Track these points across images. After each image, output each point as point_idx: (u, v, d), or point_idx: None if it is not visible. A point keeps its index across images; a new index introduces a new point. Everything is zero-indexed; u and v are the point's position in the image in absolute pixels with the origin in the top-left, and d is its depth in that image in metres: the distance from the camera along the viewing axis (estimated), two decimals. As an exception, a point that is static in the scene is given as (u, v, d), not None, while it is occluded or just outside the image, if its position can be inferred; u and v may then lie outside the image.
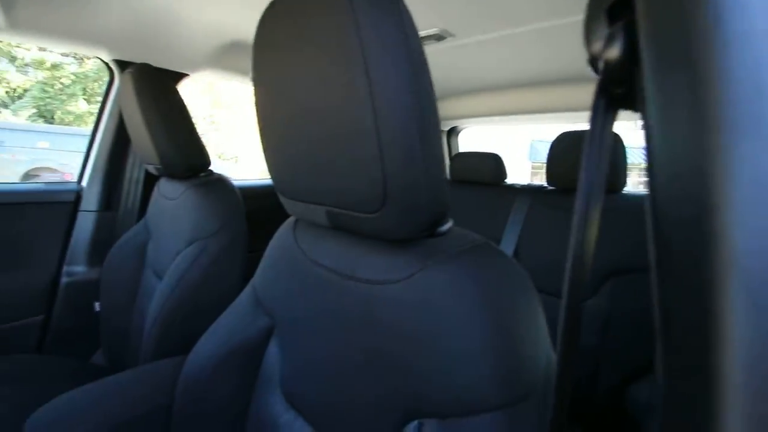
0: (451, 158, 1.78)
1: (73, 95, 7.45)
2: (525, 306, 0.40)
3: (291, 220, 0.64)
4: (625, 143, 1.20)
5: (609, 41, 0.21)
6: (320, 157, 0.44)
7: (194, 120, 1.04)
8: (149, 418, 0.66)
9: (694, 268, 0.15)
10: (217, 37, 1.20)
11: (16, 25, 0.97)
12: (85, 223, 1.27)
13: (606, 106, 0.22)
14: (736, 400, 0.13)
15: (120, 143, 1.30)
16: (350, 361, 0.48)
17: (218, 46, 1.24)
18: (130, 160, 1.32)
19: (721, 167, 0.13)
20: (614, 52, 0.20)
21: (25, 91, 7.26)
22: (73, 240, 1.26)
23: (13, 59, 7.18)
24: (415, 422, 0.41)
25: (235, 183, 1.07)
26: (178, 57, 1.26)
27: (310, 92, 0.42)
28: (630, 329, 1.04)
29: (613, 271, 1.08)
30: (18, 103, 7.14)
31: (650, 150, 0.18)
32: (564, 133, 1.29)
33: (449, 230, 0.45)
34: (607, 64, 0.21)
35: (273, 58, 0.46)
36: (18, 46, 6.88)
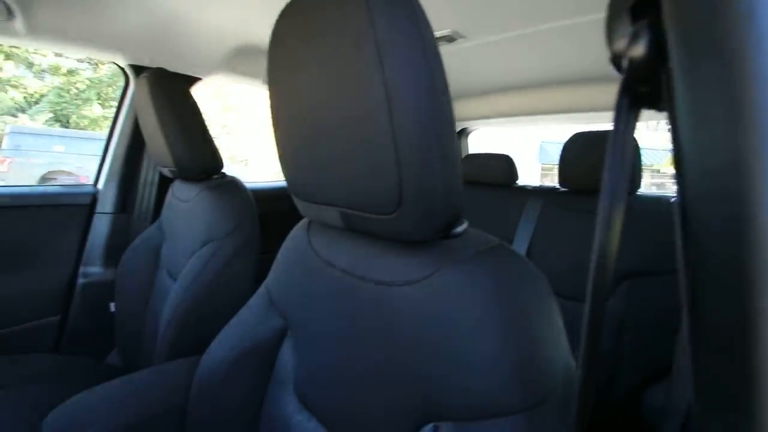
0: (462, 159, 1.77)
1: (88, 100, 7.61)
2: (542, 307, 0.39)
3: (304, 221, 0.64)
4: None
5: (633, 39, 0.20)
6: (335, 158, 0.44)
7: (207, 123, 1.05)
8: (164, 419, 0.67)
9: (732, 269, 0.14)
10: (230, 41, 1.21)
11: (35, 30, 1.00)
12: (101, 225, 1.29)
13: (629, 105, 0.22)
14: None
15: (135, 146, 1.32)
16: (364, 362, 0.47)
17: (231, 49, 1.26)
18: (144, 163, 1.35)
19: (761, 164, 0.13)
20: (639, 50, 0.20)
21: (42, 96, 7.44)
22: (89, 242, 1.28)
23: (30, 65, 7.37)
24: (431, 425, 0.40)
25: (248, 185, 1.08)
26: (191, 61, 1.28)
27: (325, 94, 0.42)
28: (645, 332, 1.03)
29: (629, 273, 1.07)
30: (35, 107, 7.32)
31: (679, 149, 0.18)
32: (577, 133, 1.28)
33: (464, 231, 0.44)
34: (632, 62, 0.21)
35: (288, 60, 0.46)
36: (35, 52, 7.06)
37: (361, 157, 0.40)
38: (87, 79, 7.63)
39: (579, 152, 1.26)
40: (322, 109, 0.43)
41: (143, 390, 0.70)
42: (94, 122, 7.62)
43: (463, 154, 2.06)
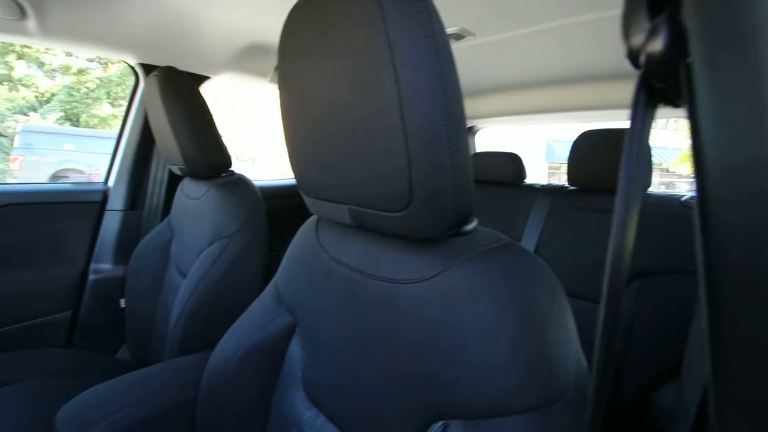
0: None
1: (97, 99, 7.69)
2: (554, 306, 0.39)
3: (313, 219, 0.65)
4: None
5: (651, 34, 0.20)
6: (345, 155, 0.44)
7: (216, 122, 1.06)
8: (175, 413, 0.67)
9: (755, 270, 0.14)
10: (239, 40, 1.22)
11: (47, 30, 1.01)
12: (112, 222, 1.31)
13: (646, 101, 0.22)
14: None
15: (145, 145, 1.33)
16: (373, 360, 0.48)
17: (239, 48, 1.26)
18: (154, 161, 1.36)
19: None
20: (657, 45, 0.20)
21: (53, 95, 7.53)
22: (100, 238, 1.30)
23: (41, 65, 7.46)
24: (440, 423, 0.40)
25: (256, 183, 1.08)
26: (200, 60, 1.29)
27: (335, 91, 0.42)
28: (654, 332, 1.02)
29: (639, 273, 1.06)
30: (46, 106, 7.41)
31: (699, 146, 0.18)
32: (586, 131, 1.26)
33: (474, 229, 0.44)
34: (650, 57, 0.20)
35: (298, 58, 0.46)
36: (46, 52, 7.15)
37: (372, 154, 0.40)
38: (97, 78, 7.71)
39: (588, 150, 1.25)
40: (332, 106, 0.43)
41: (154, 385, 0.71)
42: (103, 121, 7.70)
43: (471, 153, 2.05)
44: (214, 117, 1.05)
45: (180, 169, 1.07)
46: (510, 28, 1.03)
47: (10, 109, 7.16)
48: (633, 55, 0.23)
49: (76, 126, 7.47)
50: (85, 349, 1.22)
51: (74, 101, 7.50)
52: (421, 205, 0.38)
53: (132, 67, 1.29)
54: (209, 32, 1.15)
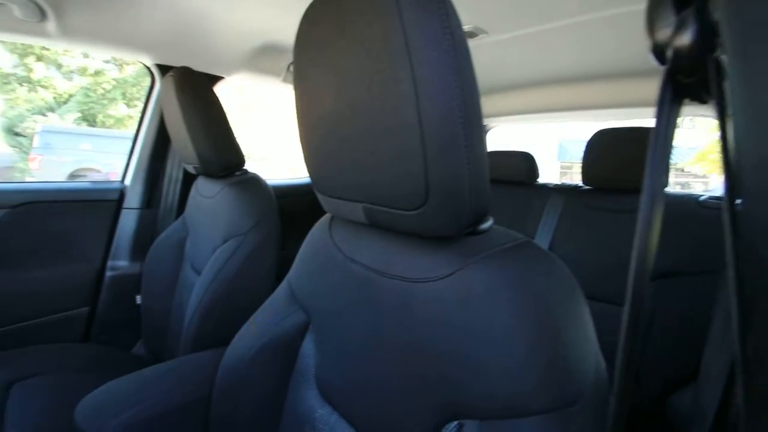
0: None
1: (113, 100, 7.84)
2: (572, 305, 0.38)
3: (326, 217, 0.65)
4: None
5: (678, 28, 0.20)
6: (360, 153, 0.44)
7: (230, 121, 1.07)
8: (190, 408, 0.68)
9: None
10: (253, 40, 1.23)
11: (66, 32, 1.03)
12: (128, 220, 1.33)
13: (672, 97, 0.21)
14: None
15: (160, 144, 1.35)
16: (386, 359, 0.48)
17: (253, 48, 1.27)
18: (169, 160, 1.38)
19: None
20: (685, 39, 0.19)
21: (71, 96, 7.70)
22: (116, 236, 1.33)
23: (59, 66, 7.63)
24: (455, 423, 0.40)
25: (269, 182, 1.09)
26: (215, 60, 1.30)
27: (351, 88, 0.42)
28: (672, 334, 1.00)
29: (657, 274, 1.04)
30: (64, 107, 7.58)
31: (728, 141, 0.17)
32: (601, 130, 1.25)
33: (490, 228, 0.44)
34: (677, 52, 0.20)
35: (314, 55, 0.46)
36: (64, 54, 7.31)
37: (388, 152, 0.40)
38: (113, 79, 7.86)
39: (603, 149, 1.23)
40: (347, 103, 0.43)
41: (170, 380, 0.72)
42: (119, 121, 7.85)
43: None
44: (228, 116, 1.06)
45: (194, 167, 1.08)
46: (525, 25, 1.02)
47: (30, 110, 7.34)
48: (658, 51, 0.22)
49: (93, 126, 7.63)
50: (102, 345, 1.25)
51: (91, 102, 7.67)
52: (437, 204, 0.38)
53: (148, 68, 1.31)
54: (224, 33, 1.16)
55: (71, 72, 7.75)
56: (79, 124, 7.51)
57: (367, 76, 0.39)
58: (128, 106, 7.94)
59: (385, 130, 0.39)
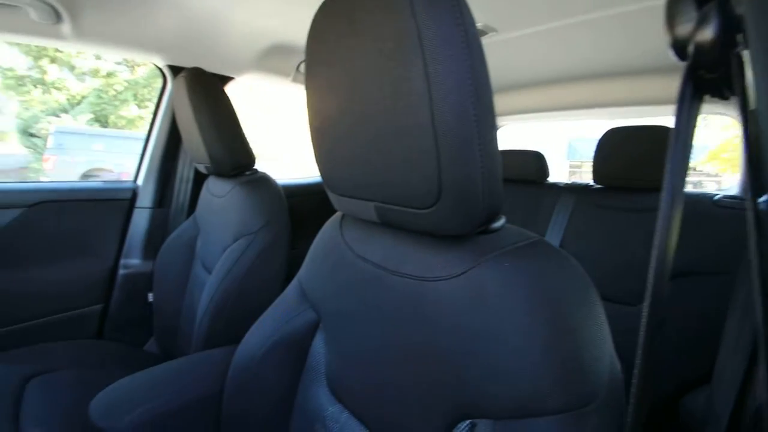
0: None
1: (125, 101, 7.95)
2: (587, 304, 0.38)
3: (337, 216, 0.65)
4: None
5: (700, 23, 0.20)
6: (372, 152, 0.44)
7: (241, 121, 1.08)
8: (202, 404, 0.69)
9: None
10: (263, 41, 1.24)
11: (81, 34, 1.05)
12: (141, 219, 1.35)
13: (693, 93, 0.21)
14: None
15: (172, 144, 1.37)
16: (397, 357, 0.48)
17: (262, 49, 1.28)
18: (180, 160, 1.40)
19: None
20: (707, 35, 0.19)
21: (83, 97, 7.82)
22: (129, 235, 1.34)
23: (72, 69, 7.76)
24: (468, 422, 0.40)
25: (279, 182, 1.10)
26: (226, 61, 1.32)
27: (363, 87, 0.42)
28: (686, 334, 0.98)
29: (672, 274, 1.02)
30: (77, 108, 7.71)
31: (752, 137, 0.17)
32: (611, 129, 1.23)
33: (502, 227, 0.44)
34: (698, 47, 0.20)
35: (325, 55, 0.46)
36: (77, 56, 7.43)
37: (400, 150, 0.40)
38: (125, 80, 7.97)
39: (615, 148, 1.21)
40: (359, 102, 0.43)
41: (183, 377, 0.73)
42: (130, 122, 7.96)
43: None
44: (238, 117, 1.07)
45: (206, 167, 1.09)
46: (535, 23, 1.01)
47: (44, 111, 7.48)
48: (678, 46, 0.22)
49: (105, 127, 7.75)
50: (115, 342, 1.27)
51: (103, 103, 7.78)
52: (450, 202, 0.38)
53: (160, 69, 1.33)
54: (234, 34, 1.17)
55: (84, 74, 7.87)
56: (91, 125, 7.63)
57: (380, 75, 0.39)
58: (139, 107, 8.05)
59: (397, 129, 0.39)
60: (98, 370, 0.99)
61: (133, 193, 1.36)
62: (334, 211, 0.64)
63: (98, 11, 1.00)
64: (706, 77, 0.21)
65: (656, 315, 0.21)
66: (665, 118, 1.43)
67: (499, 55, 1.27)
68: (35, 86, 7.46)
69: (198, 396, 0.70)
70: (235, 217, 0.99)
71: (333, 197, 0.56)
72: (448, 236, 0.44)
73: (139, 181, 1.39)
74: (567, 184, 1.50)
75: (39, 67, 7.36)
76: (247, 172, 1.09)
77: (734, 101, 0.20)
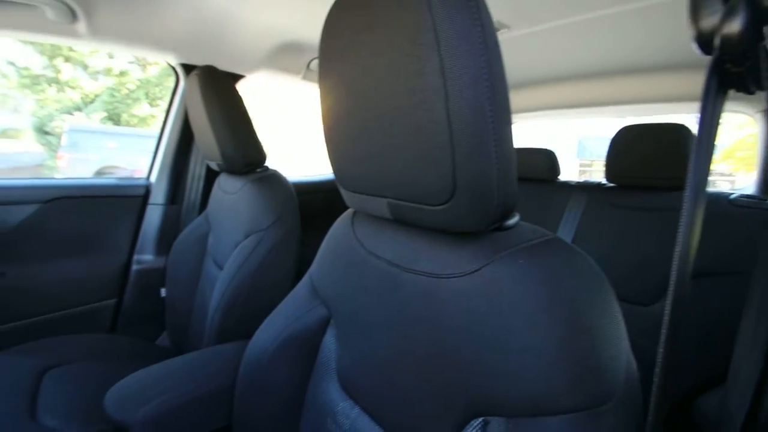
0: None
1: (137, 99, 8.05)
2: (603, 303, 0.38)
3: (348, 212, 0.65)
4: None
5: (727, 16, 0.19)
6: (386, 148, 0.43)
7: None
8: (214, 398, 0.70)
9: None
10: (273, 39, 1.25)
11: (96, 32, 1.07)
12: (153, 216, 1.37)
13: (718, 86, 0.21)
14: None
15: (184, 142, 1.39)
16: (409, 354, 0.47)
17: (273, 47, 1.29)
18: (192, 158, 1.42)
19: None
20: (734, 27, 0.19)
21: (96, 96, 7.94)
22: (142, 231, 1.37)
23: (85, 67, 7.88)
24: (480, 419, 0.40)
25: (289, 179, 1.11)
26: (237, 59, 1.33)
27: (377, 82, 0.42)
28: (701, 335, 0.97)
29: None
30: (90, 107, 7.83)
31: None
32: (625, 127, 1.22)
33: (516, 224, 0.43)
34: (725, 40, 0.19)
35: (340, 51, 0.46)
36: (90, 55, 7.54)
37: (414, 146, 0.40)
38: (137, 79, 8.07)
39: (628, 146, 1.20)
40: (374, 98, 0.43)
41: (195, 371, 0.74)
42: (143, 120, 8.06)
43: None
44: (250, 114, 1.08)
45: (218, 164, 1.10)
46: (547, 19, 1.00)
47: (58, 110, 7.61)
48: (703, 40, 0.21)
49: (118, 125, 7.86)
50: (128, 335, 1.29)
51: (116, 101, 7.89)
52: (465, 199, 0.38)
53: (173, 67, 1.34)
54: (246, 32, 1.18)
55: (97, 73, 7.99)
56: (104, 123, 7.74)
57: (395, 70, 0.39)
58: (151, 105, 8.14)
59: (412, 124, 0.39)
60: (112, 363, 1.01)
61: (146, 190, 1.38)
62: (344, 208, 0.64)
63: (113, 10, 1.02)
64: (732, 71, 0.20)
65: (678, 314, 0.21)
66: (677, 116, 1.40)
67: (511, 52, 1.26)
68: (50, 85, 7.59)
69: (210, 390, 0.71)
70: (246, 213, 1.00)
71: (345, 194, 0.56)
72: (461, 233, 0.43)
73: (152, 179, 1.41)
74: (579, 182, 1.48)
75: (53, 66, 7.48)
76: (258, 170, 1.09)
77: (759, 96, 0.20)
